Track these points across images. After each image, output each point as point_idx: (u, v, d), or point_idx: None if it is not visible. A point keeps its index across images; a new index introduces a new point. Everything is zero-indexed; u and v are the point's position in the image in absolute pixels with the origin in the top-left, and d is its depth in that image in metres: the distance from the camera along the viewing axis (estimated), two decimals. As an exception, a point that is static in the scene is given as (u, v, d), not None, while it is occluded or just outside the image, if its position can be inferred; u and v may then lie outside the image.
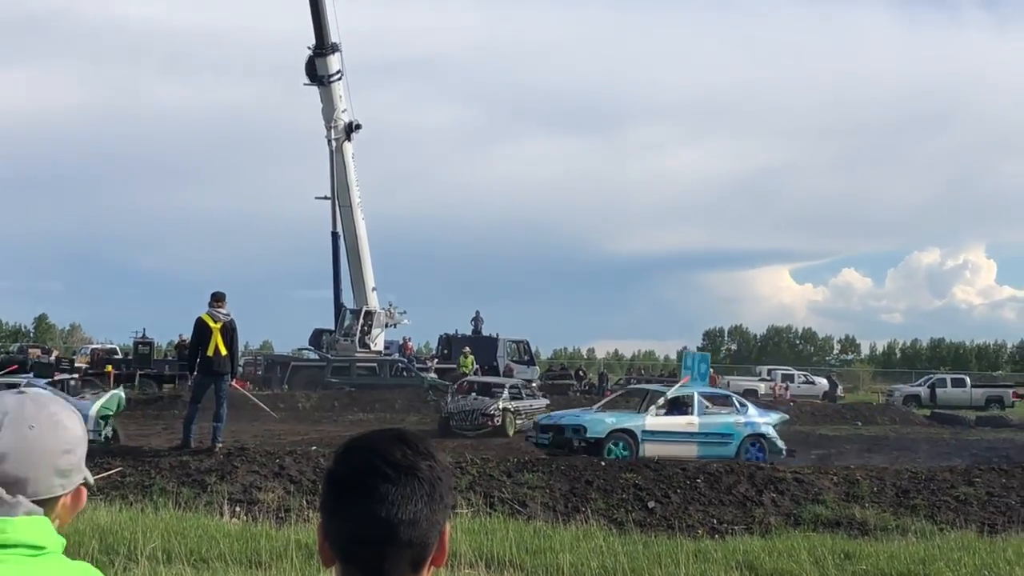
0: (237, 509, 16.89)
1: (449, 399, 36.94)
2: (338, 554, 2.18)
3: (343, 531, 2.16)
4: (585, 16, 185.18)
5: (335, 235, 53.44)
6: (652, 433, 26.01)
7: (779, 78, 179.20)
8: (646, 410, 27.20)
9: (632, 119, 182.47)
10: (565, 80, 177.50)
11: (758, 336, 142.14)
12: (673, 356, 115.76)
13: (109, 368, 48.90)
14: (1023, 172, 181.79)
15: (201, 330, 20.67)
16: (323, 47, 51.55)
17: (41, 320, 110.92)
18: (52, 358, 57.04)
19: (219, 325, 20.53)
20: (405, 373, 50.23)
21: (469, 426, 33.79)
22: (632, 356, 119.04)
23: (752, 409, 28.51)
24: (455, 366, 53.40)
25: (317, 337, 54.89)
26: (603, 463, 21.17)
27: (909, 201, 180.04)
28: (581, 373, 66.87)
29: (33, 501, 2.32)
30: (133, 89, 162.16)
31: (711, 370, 68.11)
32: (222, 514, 16.32)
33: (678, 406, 27.67)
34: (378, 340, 54.19)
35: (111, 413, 24.33)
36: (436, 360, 57.99)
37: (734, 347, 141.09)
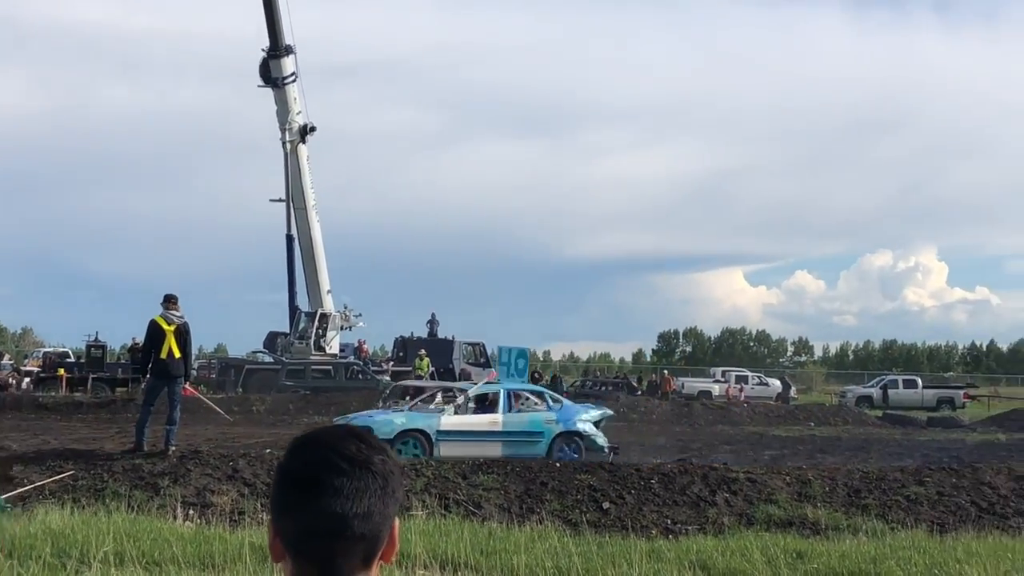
0: (191, 512, 16.83)
1: (380, 405, 36.56)
2: (290, 549, 2.19)
3: (296, 525, 2.17)
4: (540, 20, 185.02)
5: (290, 238, 53.32)
6: (448, 433, 25.35)
7: (732, 83, 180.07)
8: (444, 409, 26.45)
9: (587, 123, 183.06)
10: (520, 84, 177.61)
11: (712, 338, 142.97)
12: (628, 358, 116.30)
13: (61, 371, 48.60)
14: (974, 176, 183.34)
15: (154, 332, 20.59)
16: (277, 49, 51.38)
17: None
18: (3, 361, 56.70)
19: (173, 327, 20.46)
20: (360, 376, 50.19)
21: None
22: (588, 358, 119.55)
23: (568, 406, 27.91)
24: (411, 369, 53.28)
25: (272, 340, 54.71)
26: (558, 464, 21.19)
27: (861, 204, 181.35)
28: (537, 375, 66.82)
29: None
30: (85, 92, 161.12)
31: (665, 372, 68.74)
32: (175, 517, 16.25)
33: (484, 404, 27.07)
34: (333, 343, 54.00)
35: None
36: (392, 363, 57.83)
37: (689, 349, 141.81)
